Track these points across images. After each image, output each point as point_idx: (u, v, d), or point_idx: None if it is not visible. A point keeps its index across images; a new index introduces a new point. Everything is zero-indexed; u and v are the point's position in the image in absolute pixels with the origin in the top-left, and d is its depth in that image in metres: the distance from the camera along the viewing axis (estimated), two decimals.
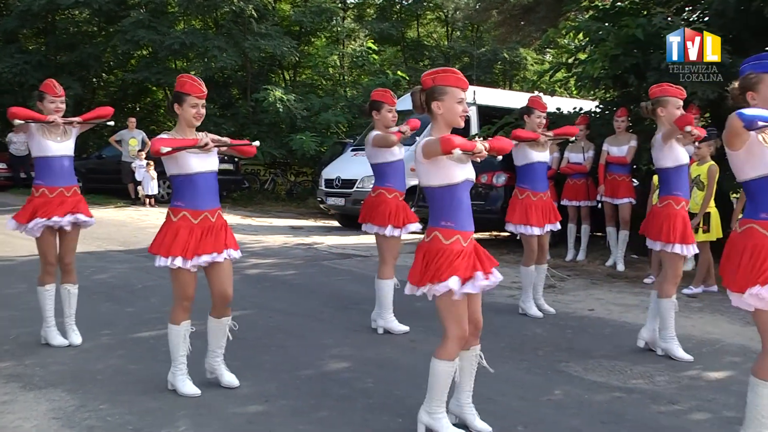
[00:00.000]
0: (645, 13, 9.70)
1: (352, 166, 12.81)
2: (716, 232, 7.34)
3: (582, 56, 10.96)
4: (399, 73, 20.79)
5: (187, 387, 4.27)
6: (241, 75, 21.02)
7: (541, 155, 6.28)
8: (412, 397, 4.31)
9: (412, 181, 12.37)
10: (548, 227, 6.36)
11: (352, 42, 23.81)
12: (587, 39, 10.47)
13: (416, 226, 5.84)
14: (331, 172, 13.46)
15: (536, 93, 12.22)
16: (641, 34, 8.87)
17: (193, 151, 4.12)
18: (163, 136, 4.11)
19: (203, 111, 4.20)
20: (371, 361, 5.11)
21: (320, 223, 14.47)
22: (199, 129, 4.28)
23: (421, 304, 7.07)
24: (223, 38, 19.35)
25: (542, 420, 4.01)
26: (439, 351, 3.55)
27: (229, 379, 4.39)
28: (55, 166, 5.09)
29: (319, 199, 13.91)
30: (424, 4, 24.88)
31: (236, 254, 4.33)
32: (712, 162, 7.16)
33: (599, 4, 11.44)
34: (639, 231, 5.56)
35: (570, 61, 11.25)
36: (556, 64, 12.51)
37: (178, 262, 4.09)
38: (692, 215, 6.43)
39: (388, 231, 5.65)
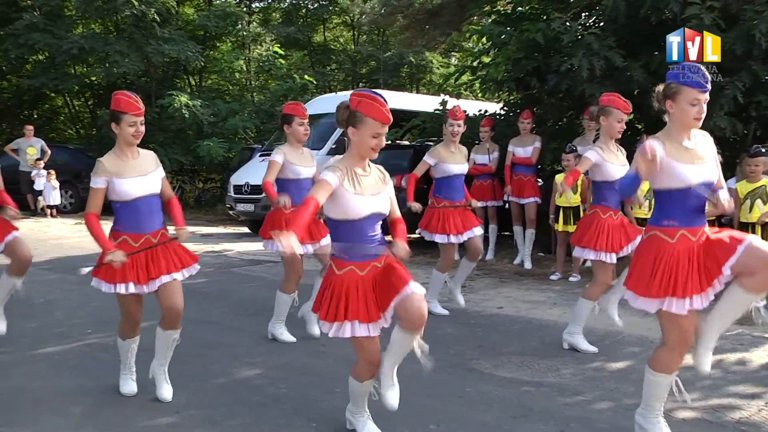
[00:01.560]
0: (545, 18, 10.00)
1: (260, 172, 12.52)
2: None
3: (486, 60, 11.20)
4: (306, 77, 20.68)
5: (126, 387, 4.36)
6: (144, 80, 20.47)
7: (460, 167, 6.40)
8: (326, 401, 4.34)
9: None
10: (476, 231, 6.45)
11: (258, 46, 23.61)
12: (490, 43, 10.72)
13: (315, 245, 5.52)
14: (239, 178, 13.32)
15: (443, 96, 12.46)
16: (541, 38, 9.14)
17: (133, 174, 4.04)
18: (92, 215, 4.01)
19: (142, 129, 4.07)
20: (284, 367, 5.10)
21: (230, 229, 14.29)
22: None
23: None
24: (124, 42, 18.79)
25: (455, 417, 4.10)
26: (352, 368, 3.64)
27: (164, 393, 4.30)
28: None
29: (228, 205, 13.74)
30: (330, 8, 24.89)
31: (194, 269, 4.35)
32: None
33: (501, 9, 11.73)
34: (570, 241, 5.71)
35: (474, 64, 11.48)
36: (461, 68, 12.75)
37: (131, 288, 4.03)
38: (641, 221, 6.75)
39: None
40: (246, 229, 13.68)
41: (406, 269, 3.48)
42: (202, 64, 20.66)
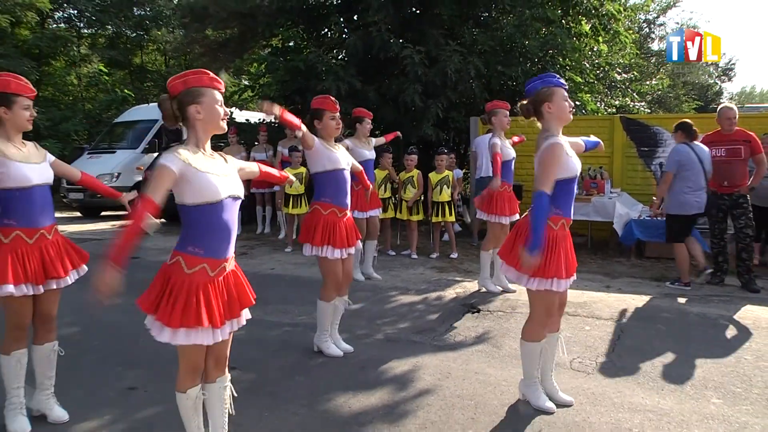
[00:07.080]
0: (306, 51, 10.07)
1: (88, 166, 11.93)
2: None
3: (262, 81, 11.10)
4: (126, 91, 19.35)
5: (17, 423, 2.93)
6: None
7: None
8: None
9: (137, 177, 11.65)
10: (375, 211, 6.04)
11: (87, 65, 21.66)
12: (265, 68, 10.59)
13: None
14: None
15: (230, 109, 12.04)
16: (303, 66, 9.20)
17: (33, 161, 2.90)
18: None
19: (34, 113, 2.97)
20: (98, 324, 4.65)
21: (65, 214, 12.97)
22: None
23: None
24: None
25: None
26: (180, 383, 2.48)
27: (59, 414, 3.07)
28: None
29: (62, 195, 12.61)
30: (146, 37, 23.31)
31: (84, 270, 3.09)
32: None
33: (274, 44, 11.66)
34: (476, 206, 5.63)
35: (253, 84, 11.39)
36: (243, 87, 12.52)
37: (24, 289, 2.80)
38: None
39: None
40: (78, 214, 12.91)
41: (249, 285, 2.53)
42: (38, 77, 18.33)
